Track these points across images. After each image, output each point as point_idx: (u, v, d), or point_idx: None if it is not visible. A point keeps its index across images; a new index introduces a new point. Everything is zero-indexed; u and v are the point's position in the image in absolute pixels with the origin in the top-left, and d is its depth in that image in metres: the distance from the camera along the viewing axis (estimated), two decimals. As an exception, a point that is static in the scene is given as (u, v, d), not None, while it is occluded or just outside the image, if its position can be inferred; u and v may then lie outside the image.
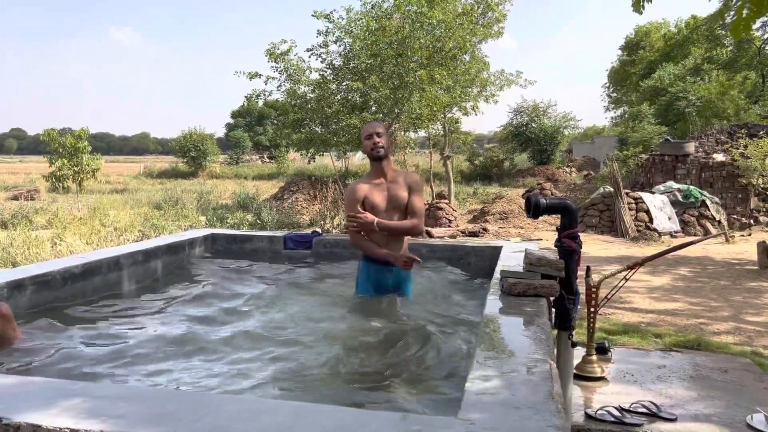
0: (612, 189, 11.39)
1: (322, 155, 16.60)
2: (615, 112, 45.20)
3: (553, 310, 2.91)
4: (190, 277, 4.00)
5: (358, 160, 34.92)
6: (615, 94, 44.83)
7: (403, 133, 14.20)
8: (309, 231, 4.98)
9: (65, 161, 22.17)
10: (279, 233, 4.84)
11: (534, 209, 2.86)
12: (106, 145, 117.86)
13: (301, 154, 15.15)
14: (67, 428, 1.30)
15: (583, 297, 3.11)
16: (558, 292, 2.70)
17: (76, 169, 22.29)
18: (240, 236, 4.83)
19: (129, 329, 2.65)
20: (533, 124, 29.64)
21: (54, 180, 22.15)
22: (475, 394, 1.50)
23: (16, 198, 17.56)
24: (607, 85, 45.45)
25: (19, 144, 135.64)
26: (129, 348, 2.44)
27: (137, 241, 8.61)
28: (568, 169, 28.53)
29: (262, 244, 4.72)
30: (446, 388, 2.03)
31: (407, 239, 3.41)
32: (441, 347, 2.43)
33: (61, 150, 22.27)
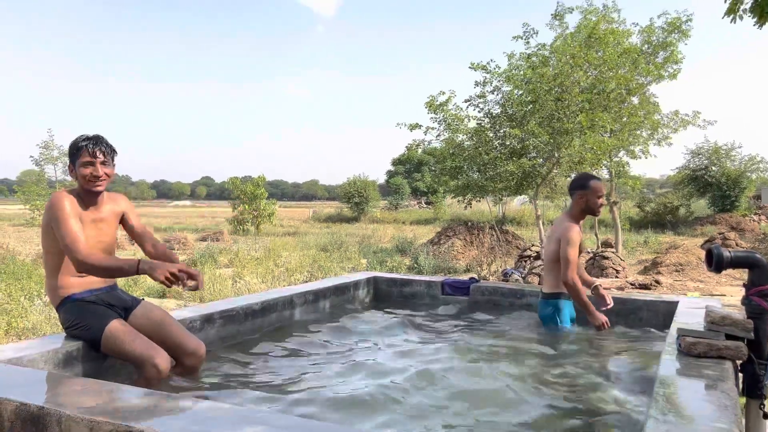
0: (813, 240, 9.98)
1: (479, 201, 16.56)
2: (815, 153, 39.93)
3: (740, 375, 2.61)
4: (356, 316, 4.19)
5: (516, 205, 34.34)
6: (814, 133, 39.66)
7: (564, 178, 13.78)
8: (466, 277, 4.98)
9: (246, 206, 24.60)
10: (437, 278, 4.90)
11: (716, 263, 2.61)
12: (280, 191, 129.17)
13: (458, 200, 15.27)
14: (251, 452, 1.43)
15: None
16: (746, 356, 2.43)
17: (254, 213, 24.61)
18: (400, 280, 4.97)
19: (301, 363, 2.84)
20: (714, 168, 27.12)
21: (236, 223, 24.64)
22: (649, 461, 1.39)
23: (204, 239, 19.74)
24: (804, 122, 40.40)
25: (208, 190, 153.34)
26: (301, 380, 2.61)
27: (306, 281, 9.22)
28: (756, 218, 25.53)
29: (421, 288, 4.82)
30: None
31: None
32: (609, 407, 2.29)
33: (242, 196, 24.82)
